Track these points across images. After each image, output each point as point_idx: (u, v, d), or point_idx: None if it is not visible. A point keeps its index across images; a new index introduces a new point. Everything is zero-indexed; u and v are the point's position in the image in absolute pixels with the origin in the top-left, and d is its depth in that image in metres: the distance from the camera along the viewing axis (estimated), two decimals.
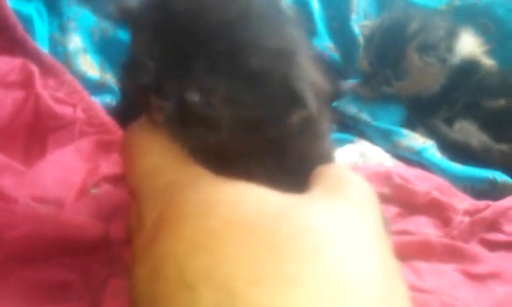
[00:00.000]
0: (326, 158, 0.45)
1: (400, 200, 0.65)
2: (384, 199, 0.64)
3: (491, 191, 0.76)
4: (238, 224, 0.29)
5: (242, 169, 0.40)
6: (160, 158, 0.35)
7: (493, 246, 0.61)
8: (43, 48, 0.73)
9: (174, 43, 0.35)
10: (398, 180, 0.66)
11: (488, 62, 0.97)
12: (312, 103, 0.36)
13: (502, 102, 0.91)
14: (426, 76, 0.95)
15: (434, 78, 0.95)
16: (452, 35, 0.96)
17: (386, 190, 0.66)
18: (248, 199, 0.31)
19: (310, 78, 0.37)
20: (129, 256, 0.34)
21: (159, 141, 0.36)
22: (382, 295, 0.28)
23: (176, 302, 0.27)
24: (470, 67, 0.95)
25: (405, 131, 0.89)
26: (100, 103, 0.69)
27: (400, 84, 0.97)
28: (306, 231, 0.29)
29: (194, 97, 0.35)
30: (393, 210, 0.64)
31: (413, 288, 0.52)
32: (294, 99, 0.36)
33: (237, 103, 0.35)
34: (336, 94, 1.01)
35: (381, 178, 0.67)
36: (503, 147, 0.84)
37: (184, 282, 0.27)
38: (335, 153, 0.48)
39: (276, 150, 0.40)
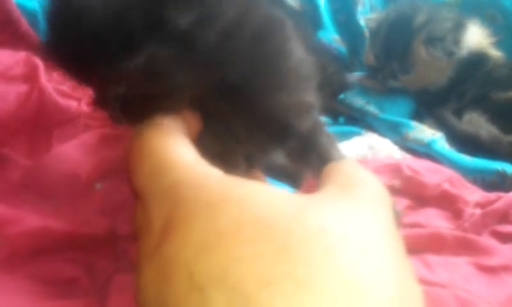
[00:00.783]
0: (307, 108, 0.42)
1: (411, 192, 0.64)
2: (394, 191, 0.63)
3: (501, 183, 0.75)
4: (248, 224, 0.28)
5: (222, 125, 0.39)
6: (166, 157, 0.34)
7: (504, 238, 0.60)
8: None
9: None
10: (408, 172, 0.65)
11: (496, 53, 0.96)
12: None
13: (510, 94, 0.90)
14: (433, 69, 0.94)
15: (441, 72, 0.94)
16: (459, 27, 0.95)
17: (396, 183, 0.65)
18: (258, 199, 0.30)
19: None
20: (136, 256, 0.33)
21: (166, 140, 0.36)
22: (395, 297, 0.27)
23: (186, 305, 0.26)
24: (477, 59, 0.94)
25: (413, 123, 0.88)
26: None
27: (406, 77, 0.96)
28: (318, 232, 0.28)
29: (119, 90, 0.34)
30: (403, 202, 0.63)
31: (426, 282, 0.51)
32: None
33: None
34: (343, 87, 1.00)
35: (391, 170, 0.66)
36: None
37: (194, 285, 0.26)
38: (316, 105, 0.44)
39: (241, 100, 0.38)
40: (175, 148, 0.35)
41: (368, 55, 1.00)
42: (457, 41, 0.93)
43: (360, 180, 0.34)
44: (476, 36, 0.96)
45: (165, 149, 0.35)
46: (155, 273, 0.29)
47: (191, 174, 0.33)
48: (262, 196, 0.30)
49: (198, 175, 0.33)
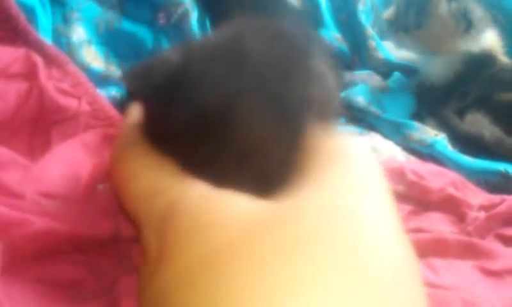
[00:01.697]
0: (328, 100, 0.41)
1: (415, 197, 0.64)
2: (399, 197, 0.63)
3: (504, 184, 0.75)
4: (224, 250, 0.27)
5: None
6: (157, 178, 0.33)
7: (509, 241, 0.60)
8: (47, 40, 0.71)
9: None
10: (412, 177, 0.65)
11: (505, 59, 0.96)
12: None
13: None
14: (443, 31, 0.93)
15: (451, 45, 0.93)
16: (483, 24, 0.94)
17: (400, 188, 0.64)
18: (235, 217, 0.28)
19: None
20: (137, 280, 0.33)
21: (154, 159, 0.34)
22: (402, 262, 0.28)
23: None
24: (487, 59, 0.94)
25: (416, 124, 0.88)
26: (105, 95, 0.67)
27: (417, 33, 0.95)
28: (304, 245, 0.27)
29: None
30: (407, 208, 0.63)
31: (432, 285, 0.51)
32: None
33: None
34: (343, 85, 1.00)
35: (395, 174, 0.66)
36: None
37: None
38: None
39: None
40: (163, 167, 0.33)
41: (391, 10, 0.99)
42: (477, 30, 0.92)
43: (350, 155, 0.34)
44: (491, 40, 0.96)
45: (155, 169, 0.34)
46: (149, 304, 0.29)
47: (183, 195, 0.31)
48: (237, 212, 0.28)
49: (189, 196, 0.31)
